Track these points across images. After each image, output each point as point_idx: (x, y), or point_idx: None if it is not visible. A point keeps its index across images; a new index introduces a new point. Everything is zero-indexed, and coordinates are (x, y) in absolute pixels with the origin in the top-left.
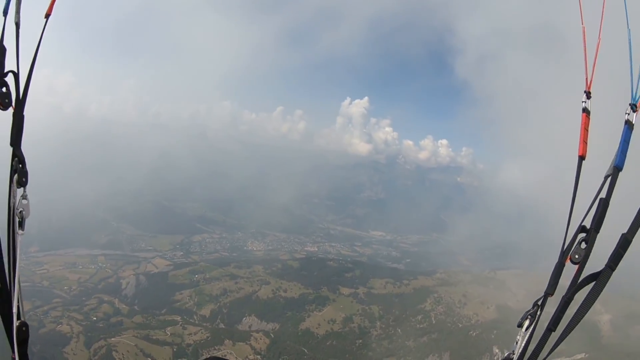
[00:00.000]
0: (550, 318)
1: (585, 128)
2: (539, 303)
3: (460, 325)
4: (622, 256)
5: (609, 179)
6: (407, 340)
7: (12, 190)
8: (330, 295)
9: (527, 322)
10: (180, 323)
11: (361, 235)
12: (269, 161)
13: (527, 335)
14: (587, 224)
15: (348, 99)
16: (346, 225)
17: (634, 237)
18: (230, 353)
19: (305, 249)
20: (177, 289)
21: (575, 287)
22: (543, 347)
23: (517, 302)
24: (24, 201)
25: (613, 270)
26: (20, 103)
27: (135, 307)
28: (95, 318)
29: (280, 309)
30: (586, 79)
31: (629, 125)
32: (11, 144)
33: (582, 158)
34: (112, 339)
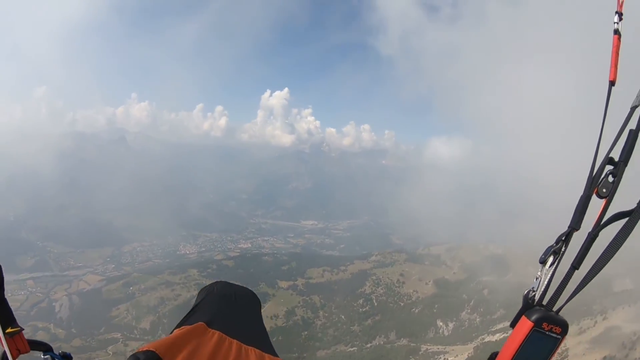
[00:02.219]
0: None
1: (616, 51)
2: (563, 238)
3: (402, 304)
4: None
5: (637, 109)
6: (352, 325)
7: None
8: (270, 290)
9: (550, 259)
10: (121, 340)
11: (293, 226)
12: (192, 161)
13: (550, 273)
14: (615, 156)
15: (268, 92)
16: (277, 218)
17: None
18: None
19: (239, 246)
20: (113, 304)
21: (603, 222)
22: (565, 286)
23: (454, 274)
24: None
25: None
26: None
27: (72, 329)
28: None
29: None
30: None
31: None
32: None
33: (612, 83)
34: None
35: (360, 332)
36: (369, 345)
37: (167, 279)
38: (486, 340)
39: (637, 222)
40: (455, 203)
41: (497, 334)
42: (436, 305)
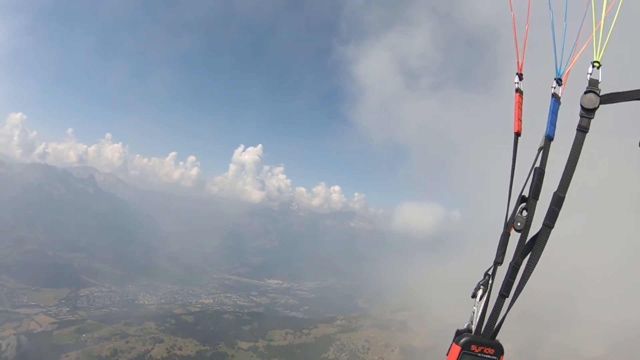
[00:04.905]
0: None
1: (519, 107)
2: (490, 272)
3: None
4: (557, 214)
5: (542, 150)
6: None
7: None
8: (229, 350)
9: (480, 292)
10: None
11: (257, 284)
12: (159, 209)
13: (482, 304)
14: (527, 194)
15: (241, 146)
16: (241, 275)
17: (566, 193)
18: None
19: (200, 301)
20: (62, 350)
21: (520, 251)
22: (499, 313)
23: (421, 341)
24: None
25: (551, 228)
26: None
27: None
28: None
29: None
30: (517, 62)
31: (555, 97)
32: None
33: (517, 134)
34: None
35: None
36: None
37: (122, 329)
38: None
39: (545, 242)
40: (423, 268)
41: None
42: None
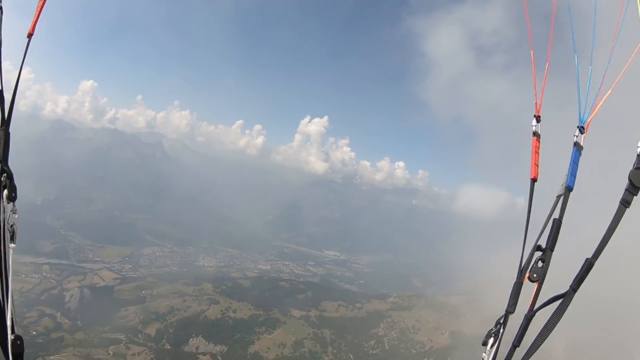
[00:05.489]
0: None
1: (536, 151)
2: (501, 321)
3: (414, 352)
4: (584, 279)
5: (561, 199)
6: None
7: (1, 206)
8: (281, 317)
9: (491, 340)
10: (124, 342)
11: (315, 254)
12: (224, 175)
13: (493, 353)
14: (543, 243)
15: (308, 117)
16: (300, 244)
17: (596, 260)
18: None
19: (258, 266)
20: (122, 304)
21: (540, 305)
22: None
23: (472, 328)
24: (15, 215)
25: (575, 292)
26: (6, 122)
27: (78, 322)
28: (34, 332)
29: (228, 330)
30: (535, 103)
31: (577, 147)
32: None
33: (534, 180)
34: (51, 357)
35: None
36: None
37: (180, 288)
38: None
39: (569, 304)
40: (482, 254)
41: None
42: (448, 358)
